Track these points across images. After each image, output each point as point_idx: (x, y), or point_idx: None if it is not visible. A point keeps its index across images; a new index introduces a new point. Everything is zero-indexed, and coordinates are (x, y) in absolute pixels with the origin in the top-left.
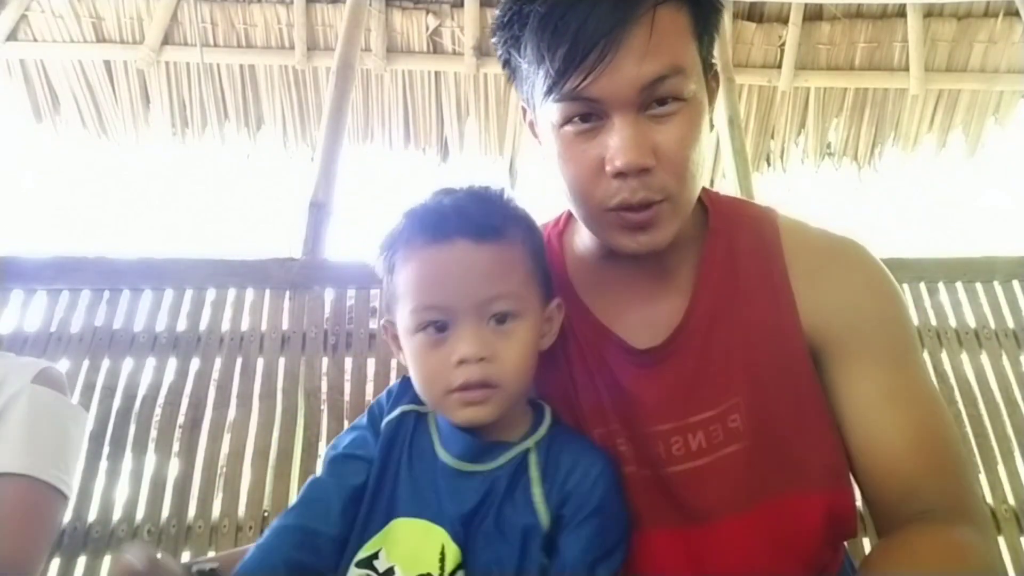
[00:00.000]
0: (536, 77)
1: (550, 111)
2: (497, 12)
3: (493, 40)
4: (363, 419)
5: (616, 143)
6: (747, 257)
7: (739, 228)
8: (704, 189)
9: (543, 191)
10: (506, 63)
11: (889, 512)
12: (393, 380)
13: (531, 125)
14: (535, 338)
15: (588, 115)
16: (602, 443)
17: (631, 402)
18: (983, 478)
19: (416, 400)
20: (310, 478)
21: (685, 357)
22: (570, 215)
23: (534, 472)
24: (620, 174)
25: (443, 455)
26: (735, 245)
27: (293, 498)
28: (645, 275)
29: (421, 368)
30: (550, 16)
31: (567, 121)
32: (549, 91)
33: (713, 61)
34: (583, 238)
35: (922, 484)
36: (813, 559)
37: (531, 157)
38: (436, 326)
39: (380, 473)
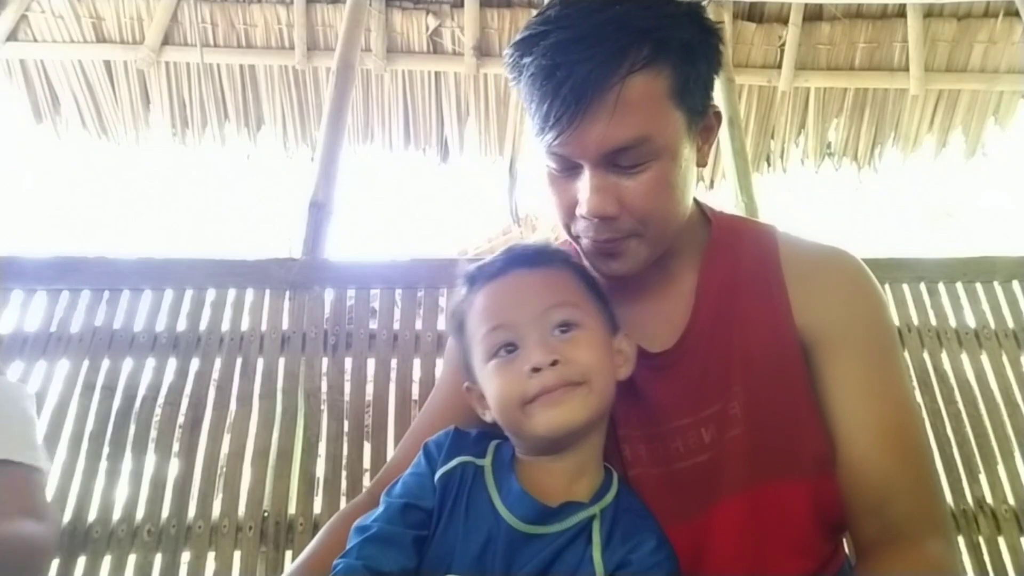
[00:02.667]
0: (529, 118)
1: (539, 150)
2: (510, 48)
3: (506, 66)
4: (421, 464)
5: (584, 193)
6: (746, 264)
7: (739, 240)
8: (706, 206)
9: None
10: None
11: (863, 516)
12: (393, 380)
13: None
14: (605, 348)
15: (563, 161)
16: (614, 446)
17: (649, 403)
18: (983, 478)
19: (472, 451)
20: (365, 523)
21: (694, 356)
22: None
23: (596, 538)
24: (586, 217)
25: (505, 515)
26: (735, 254)
27: (293, 498)
28: (652, 283)
29: (499, 390)
30: (536, 76)
31: (548, 162)
32: (535, 136)
33: (711, 104)
34: None
35: (893, 482)
36: (802, 545)
37: (531, 157)
38: (506, 348)
39: (436, 525)
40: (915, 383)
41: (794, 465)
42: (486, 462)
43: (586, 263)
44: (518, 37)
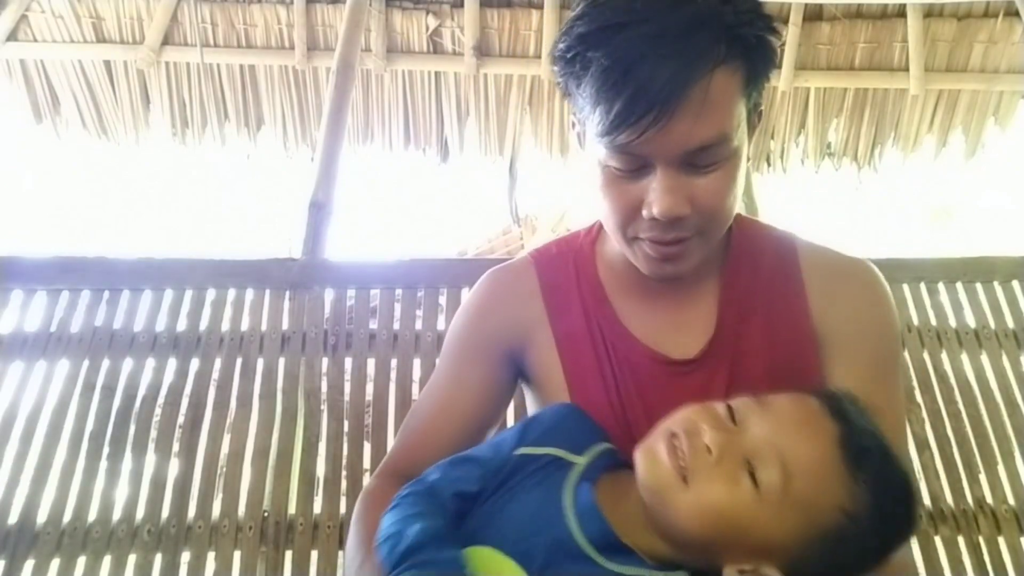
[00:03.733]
0: (592, 116)
1: (598, 149)
2: (559, 43)
3: (553, 68)
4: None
5: (657, 192)
6: (767, 271)
7: (760, 247)
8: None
9: (545, 190)
10: (560, 79)
11: None
12: (393, 380)
13: (579, 135)
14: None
15: (632, 160)
16: (619, 446)
17: (665, 409)
18: (983, 478)
19: (572, 443)
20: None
21: (718, 365)
22: (602, 227)
23: None
24: (656, 219)
25: (576, 532)
26: (756, 261)
27: (293, 498)
28: (673, 288)
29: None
30: (612, 69)
31: (612, 160)
32: (601, 135)
33: (759, 102)
34: (615, 246)
35: None
36: None
37: (531, 158)
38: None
39: (493, 490)
40: (915, 383)
41: None
42: (581, 461)
43: (639, 266)
44: (581, 29)
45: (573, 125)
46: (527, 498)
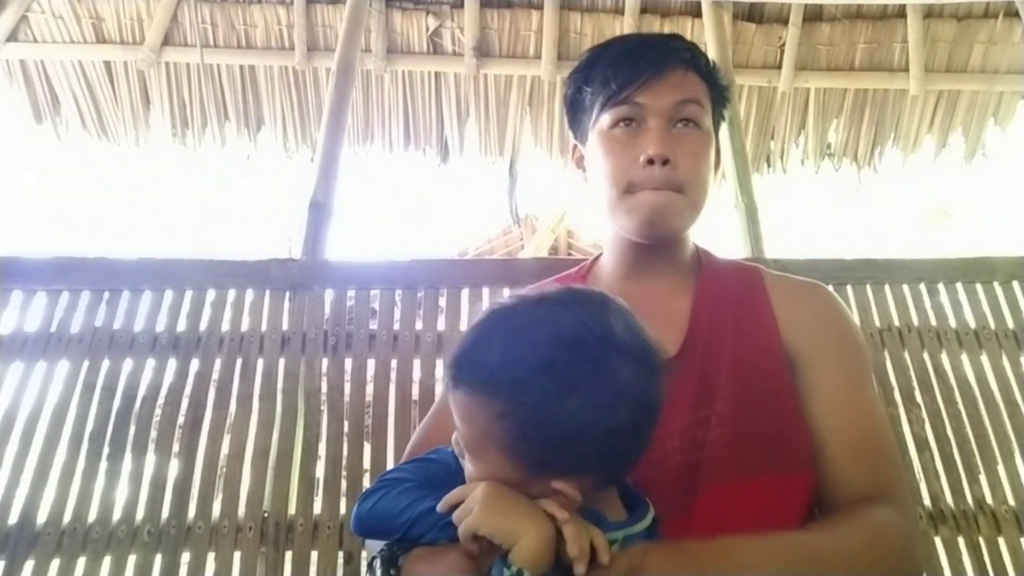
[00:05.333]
0: (598, 98)
1: (603, 121)
2: (573, 68)
3: (567, 81)
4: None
5: (650, 139)
6: (736, 290)
7: (728, 273)
8: (701, 247)
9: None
10: (571, 103)
11: (833, 493)
12: (393, 381)
13: (579, 160)
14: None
15: (631, 120)
16: None
17: None
18: (983, 478)
19: None
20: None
21: (692, 363)
22: (594, 260)
23: None
24: (650, 161)
25: None
26: (724, 282)
27: (293, 498)
28: (652, 300)
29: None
30: (619, 57)
31: (615, 124)
32: (607, 101)
33: (718, 140)
34: (603, 270)
35: (858, 478)
36: None
37: (531, 158)
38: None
39: None
40: (915, 383)
41: (788, 461)
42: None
43: (631, 224)
44: (589, 54)
45: (574, 149)
46: None
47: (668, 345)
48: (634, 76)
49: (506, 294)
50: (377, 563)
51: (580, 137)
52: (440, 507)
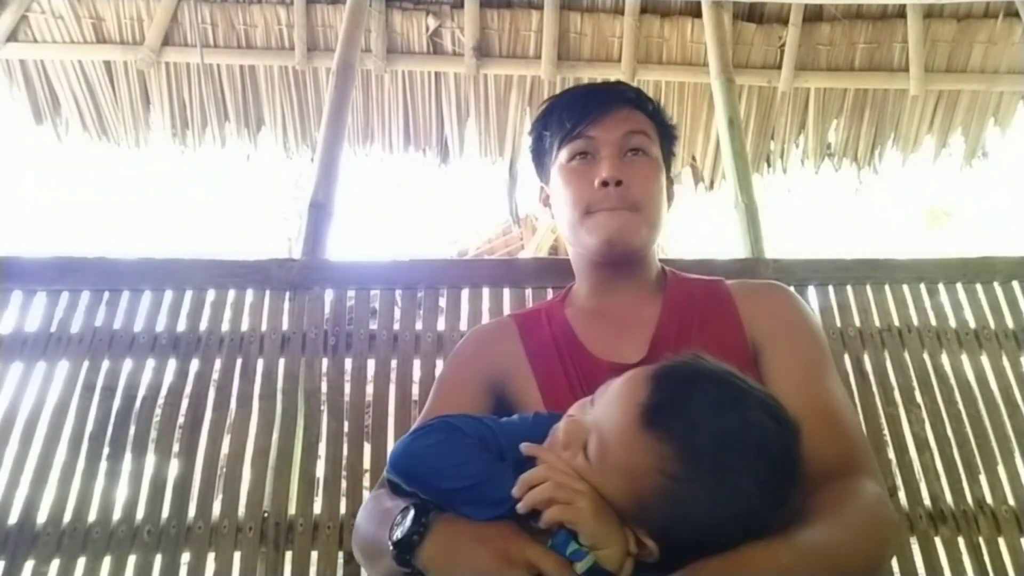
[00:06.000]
0: (556, 138)
1: (562, 157)
2: (534, 119)
3: (531, 132)
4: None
5: (604, 164)
6: (701, 299)
7: (692, 284)
8: (667, 267)
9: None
10: (535, 151)
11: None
12: (393, 381)
13: (546, 200)
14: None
15: (585, 153)
16: None
17: None
18: (983, 479)
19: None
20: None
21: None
22: (568, 289)
23: None
24: (604, 184)
25: None
26: (691, 292)
27: (293, 499)
28: (622, 311)
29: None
30: (572, 101)
31: (572, 158)
32: (563, 138)
33: (671, 176)
34: (577, 294)
35: (828, 450)
36: None
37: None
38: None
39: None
40: (915, 383)
41: None
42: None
43: (592, 240)
44: (545, 105)
45: (541, 191)
46: None
47: (637, 348)
48: (585, 114)
49: (507, 297)
50: (409, 516)
51: (544, 178)
52: (516, 490)
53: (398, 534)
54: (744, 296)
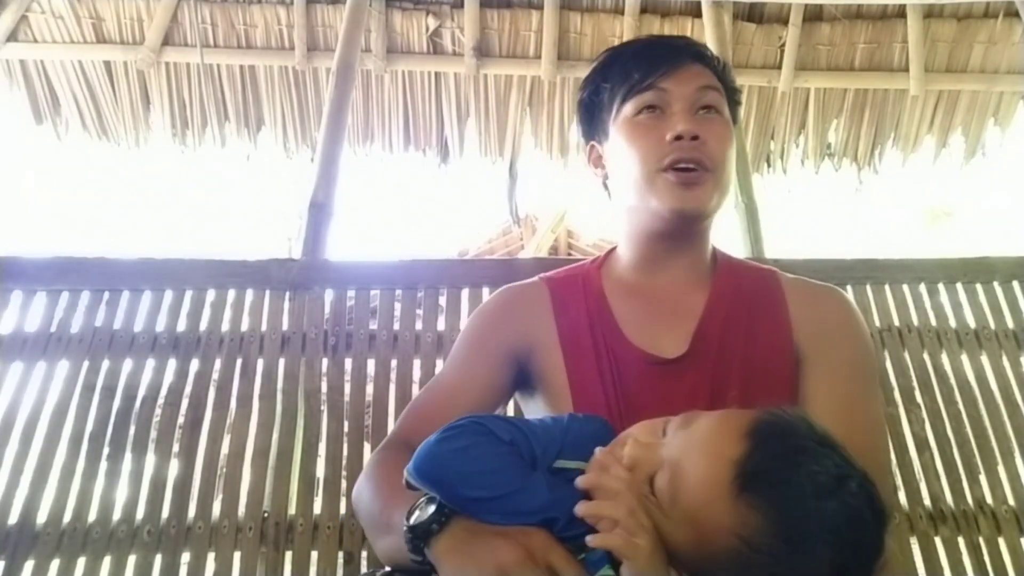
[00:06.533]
0: (619, 91)
1: (627, 110)
2: (588, 73)
3: (582, 86)
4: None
5: (677, 119)
6: (751, 289)
7: (744, 271)
8: (718, 248)
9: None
10: (587, 105)
11: None
12: (393, 381)
13: (597, 160)
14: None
15: (655, 107)
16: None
17: (653, 407)
18: (983, 479)
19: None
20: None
21: (704, 359)
22: (608, 254)
23: None
24: (678, 138)
25: None
26: (740, 281)
27: (293, 499)
28: (667, 297)
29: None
30: (637, 52)
31: (639, 111)
32: (629, 91)
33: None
34: (619, 263)
35: None
36: None
37: (531, 158)
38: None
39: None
40: (915, 383)
41: None
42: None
43: (661, 205)
44: (606, 55)
45: (591, 149)
46: None
47: (680, 340)
48: (655, 66)
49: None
50: (431, 507)
51: (599, 136)
52: (580, 482)
53: (415, 519)
54: (798, 296)
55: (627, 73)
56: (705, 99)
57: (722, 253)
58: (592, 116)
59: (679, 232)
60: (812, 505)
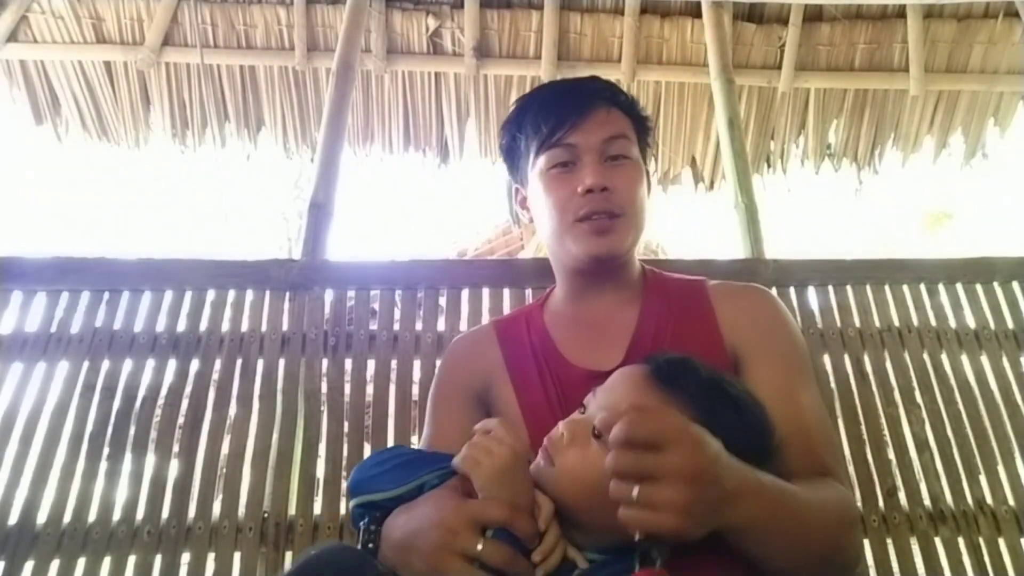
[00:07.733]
0: (532, 144)
1: (541, 163)
2: (506, 119)
3: (501, 131)
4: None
5: (587, 171)
6: (679, 301)
7: (672, 285)
8: (647, 264)
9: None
10: (508, 151)
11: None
12: (393, 381)
13: (523, 201)
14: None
15: (566, 163)
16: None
17: None
18: (983, 479)
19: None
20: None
21: None
22: (549, 291)
23: None
24: (588, 191)
25: None
26: (668, 294)
27: (293, 499)
28: (601, 315)
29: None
30: (545, 103)
31: (552, 166)
32: (541, 144)
33: (648, 170)
34: (556, 298)
35: (802, 464)
36: None
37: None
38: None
39: None
40: (915, 383)
41: None
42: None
43: (579, 251)
44: (519, 104)
45: (516, 192)
46: None
47: (613, 356)
48: (562, 119)
49: (507, 298)
50: (362, 525)
51: (520, 180)
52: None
53: (360, 543)
54: (723, 299)
55: (537, 126)
56: (612, 149)
57: (651, 270)
58: (513, 162)
59: (600, 271)
60: (710, 381)
